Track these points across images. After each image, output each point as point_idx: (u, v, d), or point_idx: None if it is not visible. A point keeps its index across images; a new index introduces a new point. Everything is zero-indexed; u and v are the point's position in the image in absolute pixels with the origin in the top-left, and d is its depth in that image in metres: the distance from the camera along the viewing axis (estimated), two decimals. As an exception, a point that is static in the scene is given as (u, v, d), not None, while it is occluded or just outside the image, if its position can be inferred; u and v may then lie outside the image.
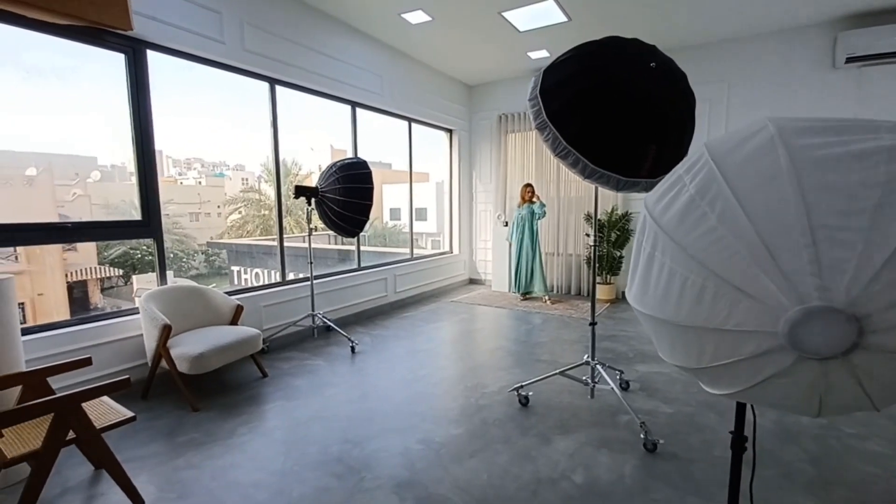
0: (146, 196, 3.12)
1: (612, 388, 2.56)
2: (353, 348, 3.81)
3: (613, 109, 2.04)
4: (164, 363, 2.82)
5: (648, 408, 2.72)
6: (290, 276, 4.31)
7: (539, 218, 5.66)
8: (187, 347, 2.75)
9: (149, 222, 3.14)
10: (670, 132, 2.08)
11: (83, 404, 1.75)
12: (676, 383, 3.09)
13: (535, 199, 5.70)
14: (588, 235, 5.68)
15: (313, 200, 3.86)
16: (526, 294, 5.86)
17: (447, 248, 6.89)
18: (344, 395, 2.95)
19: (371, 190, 3.89)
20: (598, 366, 2.67)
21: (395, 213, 24.60)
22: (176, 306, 3.08)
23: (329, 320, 4.02)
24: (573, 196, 6.04)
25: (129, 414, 1.88)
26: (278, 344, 3.92)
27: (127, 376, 1.82)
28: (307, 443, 2.35)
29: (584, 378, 2.70)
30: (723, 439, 2.36)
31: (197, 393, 2.94)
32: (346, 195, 3.78)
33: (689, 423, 2.53)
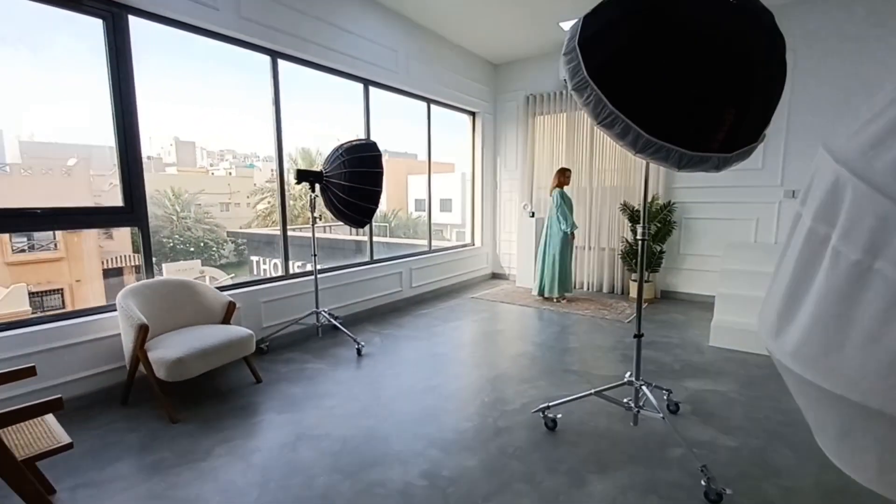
0: (129, 180, 2.81)
1: (661, 416, 2.08)
2: (359, 350, 3.44)
3: (678, 60, 1.55)
4: (143, 367, 2.51)
5: (705, 438, 2.23)
6: (299, 269, 3.97)
7: (555, 207, 5.01)
8: (166, 350, 2.43)
9: (132, 209, 2.83)
10: (756, 91, 1.57)
11: (6, 428, 1.42)
12: (735, 405, 2.57)
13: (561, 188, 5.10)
14: (633, 230, 5.12)
15: (317, 186, 3.49)
16: (541, 294, 5.25)
17: (469, 241, 6.45)
18: (343, 407, 2.57)
19: (380, 175, 3.49)
20: (643, 386, 2.19)
21: (419, 204, 24.32)
22: (160, 303, 2.77)
23: (336, 318, 3.66)
24: (608, 185, 5.47)
25: (66, 440, 1.54)
26: (279, 344, 3.59)
27: (59, 395, 1.48)
28: (291, 471, 1.98)
29: (625, 401, 2.23)
30: (807, 488, 1.85)
31: (180, 400, 2.63)
32: (353, 180, 3.38)
33: (759, 463, 2.03)
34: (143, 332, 2.42)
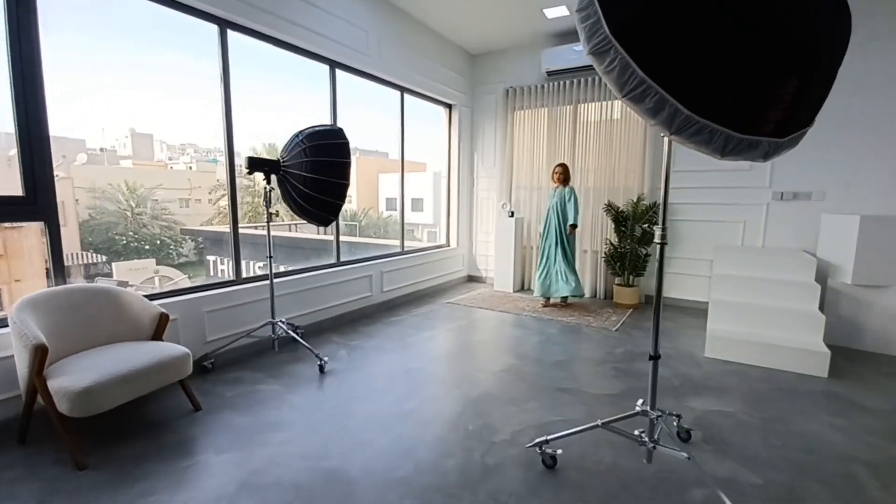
0: (31, 165, 2.27)
1: (686, 456, 1.75)
2: (321, 367, 2.99)
3: (728, 13, 1.21)
4: (42, 398, 1.99)
5: (724, 473, 1.93)
6: (261, 270, 3.48)
7: (567, 203, 4.64)
8: (71, 378, 1.92)
9: (35, 199, 2.28)
10: (823, 58, 1.26)
11: None
12: (749, 430, 2.29)
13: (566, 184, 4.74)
14: (618, 232, 4.82)
15: (273, 178, 3.02)
16: (547, 299, 4.95)
17: (443, 241, 6.06)
18: (299, 442, 2.13)
19: (347, 166, 3.05)
20: (660, 418, 1.86)
21: (391, 203, 23.88)
22: (69, 316, 2.25)
23: (297, 328, 3.20)
24: (591, 185, 5.20)
25: None
26: (227, 360, 3.10)
27: None
28: (225, 538, 1.54)
29: (638, 433, 1.89)
30: (855, 539, 1.57)
31: (93, 436, 2.12)
32: (316, 171, 2.93)
33: (792, 505, 1.74)
34: (40, 355, 1.90)
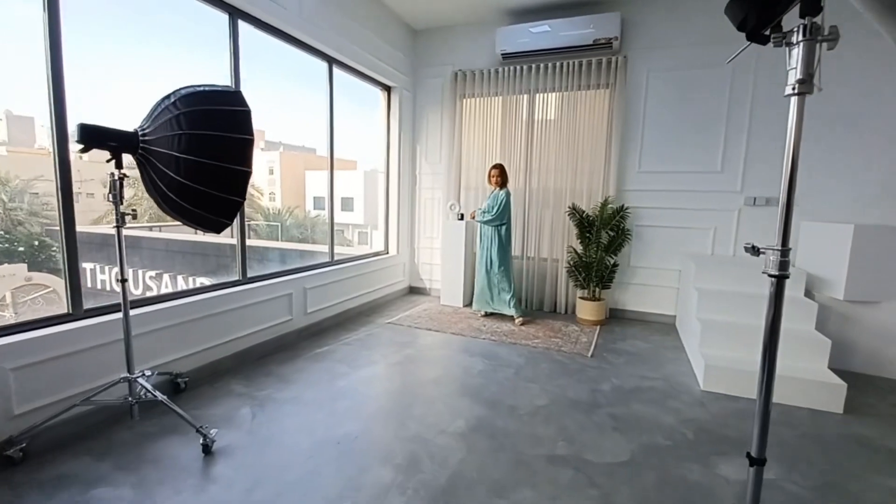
0: None
1: None
2: (206, 446, 2.00)
3: None
4: None
5: None
6: (152, 281, 2.37)
7: (485, 213, 4.25)
8: None
9: None
10: None
11: None
12: (808, 510, 1.72)
13: (502, 187, 4.22)
14: (582, 239, 4.29)
15: (126, 161, 1.97)
16: (488, 313, 4.39)
17: (382, 248, 5.17)
18: None
19: (248, 146, 2.08)
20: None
21: (319, 202, 22.30)
22: None
23: (177, 377, 2.17)
24: (550, 187, 4.61)
25: None
26: (52, 441, 1.99)
27: None
28: None
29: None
30: None
31: None
32: (197, 151, 1.94)
33: None
34: None
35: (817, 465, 2.04)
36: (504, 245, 4.24)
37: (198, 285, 2.96)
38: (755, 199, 3.96)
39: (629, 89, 4.23)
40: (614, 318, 4.43)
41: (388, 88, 4.90)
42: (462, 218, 4.76)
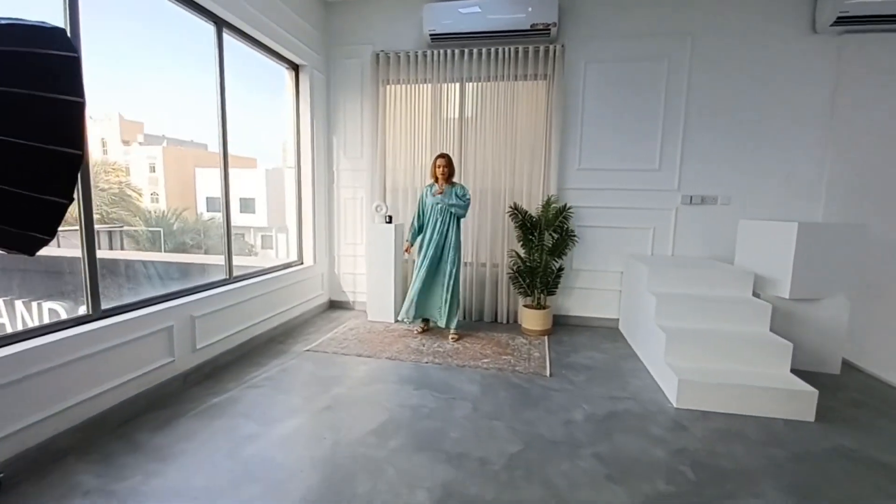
0: None
1: None
2: None
3: None
4: None
5: None
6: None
7: (459, 212, 3.69)
8: None
9: None
10: None
11: None
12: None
13: (451, 182, 3.69)
14: (524, 241, 3.89)
15: None
16: (427, 326, 3.84)
17: (295, 258, 4.35)
18: None
19: (77, 112, 1.29)
20: None
21: (213, 203, 20.00)
22: None
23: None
24: (488, 186, 4.18)
25: None
26: None
27: None
28: None
29: None
30: None
31: None
32: (-29, 120, 1.11)
33: None
34: None
35: (827, 493, 1.81)
36: (459, 242, 3.74)
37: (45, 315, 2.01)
38: (691, 197, 3.91)
39: (567, 80, 3.96)
40: (558, 324, 4.15)
41: (295, 67, 4.10)
42: (390, 221, 4.15)
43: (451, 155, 3.78)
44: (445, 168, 3.60)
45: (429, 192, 3.70)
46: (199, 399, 2.53)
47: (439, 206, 3.63)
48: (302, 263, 4.31)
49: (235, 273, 3.39)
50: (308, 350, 3.37)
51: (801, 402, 2.44)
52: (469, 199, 3.69)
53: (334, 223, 4.61)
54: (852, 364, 3.24)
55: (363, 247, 4.50)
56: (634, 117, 3.92)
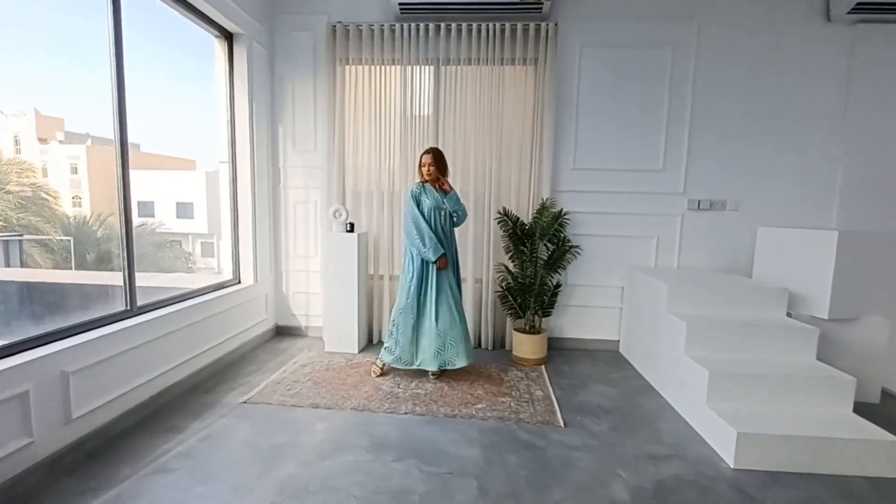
0: None
1: None
2: None
3: None
4: None
5: None
6: None
7: (461, 220, 2.98)
8: None
9: None
10: None
11: None
12: None
13: (444, 186, 2.91)
14: (514, 253, 3.19)
15: None
16: (439, 371, 2.93)
17: (231, 276, 3.47)
18: None
19: None
20: None
21: (146, 208, 18.12)
22: None
23: None
24: (471, 188, 3.50)
25: None
26: None
27: None
28: None
29: None
30: None
31: None
32: None
33: None
34: None
35: None
36: (458, 263, 3.05)
37: None
38: (699, 202, 3.47)
39: (560, 66, 3.41)
40: (552, 348, 3.56)
41: (229, 36, 3.26)
42: (352, 229, 3.40)
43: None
44: (432, 167, 2.87)
45: (423, 192, 2.88)
46: (71, 500, 1.67)
47: (443, 210, 2.88)
48: (239, 283, 3.45)
49: (145, 300, 2.51)
50: (245, 402, 2.54)
51: (886, 455, 1.97)
52: (460, 202, 2.94)
53: (281, 232, 3.78)
54: (891, 392, 2.87)
55: (318, 260, 3.70)
56: (636, 111, 3.43)
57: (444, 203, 2.86)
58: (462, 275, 3.56)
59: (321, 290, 3.63)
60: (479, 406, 2.56)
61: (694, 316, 2.62)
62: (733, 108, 3.38)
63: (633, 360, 3.35)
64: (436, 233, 2.82)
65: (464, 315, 2.94)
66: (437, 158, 2.88)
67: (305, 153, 3.68)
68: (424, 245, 2.77)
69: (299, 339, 3.76)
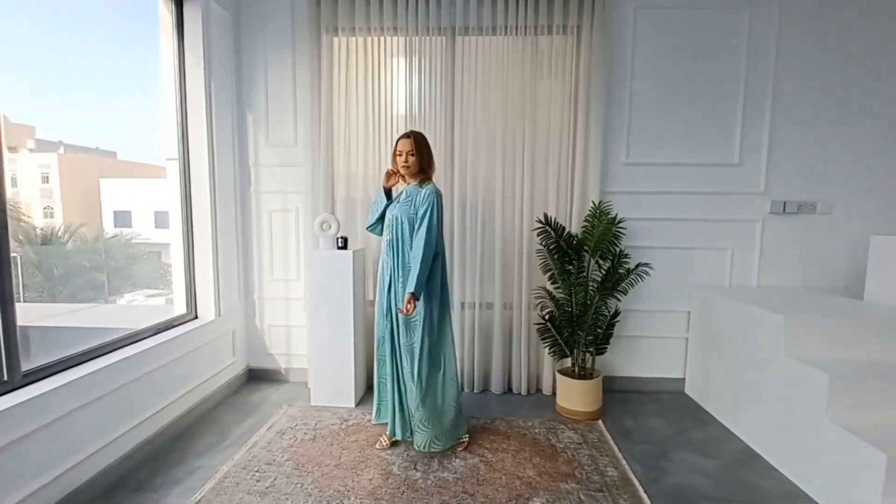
0: None
1: None
2: None
3: None
4: None
5: None
6: None
7: (420, 224, 2.02)
8: None
9: None
10: None
11: None
12: None
13: (421, 180, 2.11)
14: (560, 274, 2.37)
15: None
16: (398, 440, 2.17)
17: (186, 310, 2.63)
18: None
19: None
20: None
21: (122, 218, 17.02)
22: None
23: None
24: (497, 191, 2.76)
25: None
26: None
27: None
28: None
29: None
30: None
31: None
32: None
33: None
34: None
35: None
36: (443, 300, 2.17)
37: None
38: (784, 203, 2.76)
39: (609, 34, 2.68)
40: (615, 400, 2.78)
41: (178, -7, 2.46)
42: (345, 245, 2.60)
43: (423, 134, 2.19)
44: (411, 156, 2.04)
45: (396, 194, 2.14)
46: None
47: (401, 212, 2.07)
48: (195, 318, 2.61)
49: (47, 354, 1.68)
50: (199, 501, 1.72)
51: None
52: (425, 218, 1.99)
53: (253, 249, 2.96)
54: None
55: (300, 285, 2.89)
56: (704, 89, 2.72)
57: (411, 205, 2.05)
58: (487, 298, 2.80)
59: (305, 322, 2.82)
60: (520, 490, 1.78)
61: (830, 362, 1.88)
62: (821, 83, 2.70)
63: (708, 407, 2.62)
64: (391, 250, 2.08)
65: (446, 377, 2.12)
66: (420, 145, 2.07)
67: (283, 148, 2.87)
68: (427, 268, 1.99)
69: (277, 385, 2.93)
